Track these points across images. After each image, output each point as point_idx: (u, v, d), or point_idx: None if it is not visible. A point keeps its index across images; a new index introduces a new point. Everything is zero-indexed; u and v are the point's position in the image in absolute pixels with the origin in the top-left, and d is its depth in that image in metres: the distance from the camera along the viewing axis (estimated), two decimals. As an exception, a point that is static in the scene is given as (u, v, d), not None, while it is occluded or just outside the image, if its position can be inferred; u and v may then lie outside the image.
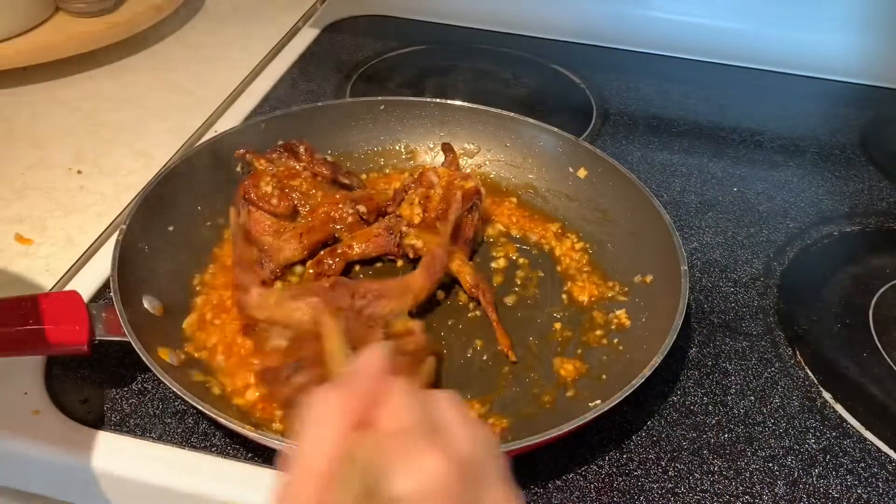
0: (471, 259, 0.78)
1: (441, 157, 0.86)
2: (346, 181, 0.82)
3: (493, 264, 0.79)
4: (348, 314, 0.64)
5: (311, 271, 0.74)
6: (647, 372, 0.60)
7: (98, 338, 0.61)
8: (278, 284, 0.73)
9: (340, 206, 0.78)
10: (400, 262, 0.78)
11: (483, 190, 0.79)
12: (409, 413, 0.37)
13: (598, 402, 0.59)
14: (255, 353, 0.66)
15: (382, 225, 0.77)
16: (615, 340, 0.71)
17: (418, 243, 0.75)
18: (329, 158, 0.83)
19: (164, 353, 0.63)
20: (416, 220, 0.75)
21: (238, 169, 0.82)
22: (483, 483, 0.37)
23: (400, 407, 0.37)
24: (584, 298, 0.75)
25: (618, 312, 0.73)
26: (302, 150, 0.80)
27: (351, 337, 0.58)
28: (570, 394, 0.66)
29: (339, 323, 0.58)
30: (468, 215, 0.77)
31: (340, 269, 0.75)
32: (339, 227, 0.77)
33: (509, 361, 0.69)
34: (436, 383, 0.66)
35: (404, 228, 0.75)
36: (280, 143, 0.81)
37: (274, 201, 0.76)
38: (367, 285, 0.68)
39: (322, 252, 0.76)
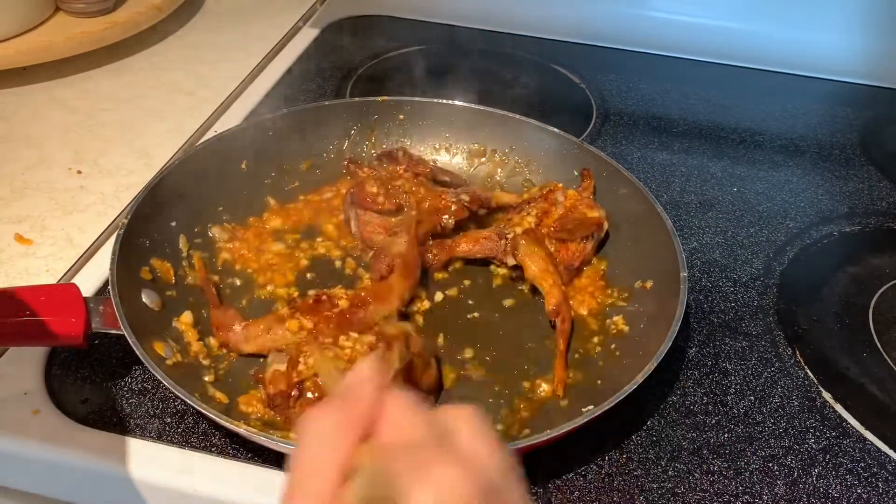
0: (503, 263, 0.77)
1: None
2: (446, 178, 0.85)
3: (495, 269, 0.79)
4: (337, 325, 0.64)
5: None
6: (639, 379, 0.59)
7: (94, 330, 0.61)
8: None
9: (443, 197, 0.80)
10: (503, 270, 0.78)
11: (606, 224, 0.79)
12: (412, 424, 0.34)
13: (591, 407, 0.58)
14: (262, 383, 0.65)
15: (494, 229, 0.78)
16: (612, 346, 0.71)
17: (521, 250, 0.74)
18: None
19: (160, 347, 0.63)
20: (525, 226, 0.77)
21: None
22: (504, 501, 0.34)
23: (401, 418, 0.35)
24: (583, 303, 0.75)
25: (615, 318, 0.73)
26: (400, 154, 0.84)
27: (345, 349, 0.60)
28: (564, 403, 0.66)
29: (319, 345, 0.59)
30: (580, 243, 0.77)
31: (444, 261, 0.78)
32: (445, 216, 0.79)
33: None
34: (439, 386, 0.66)
35: (510, 235, 0.76)
36: (379, 152, 0.86)
37: (381, 199, 0.79)
38: (344, 292, 0.68)
39: (431, 243, 0.78)
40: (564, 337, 0.70)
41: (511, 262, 0.75)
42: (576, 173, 0.85)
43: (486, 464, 0.34)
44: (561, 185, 0.82)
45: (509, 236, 0.76)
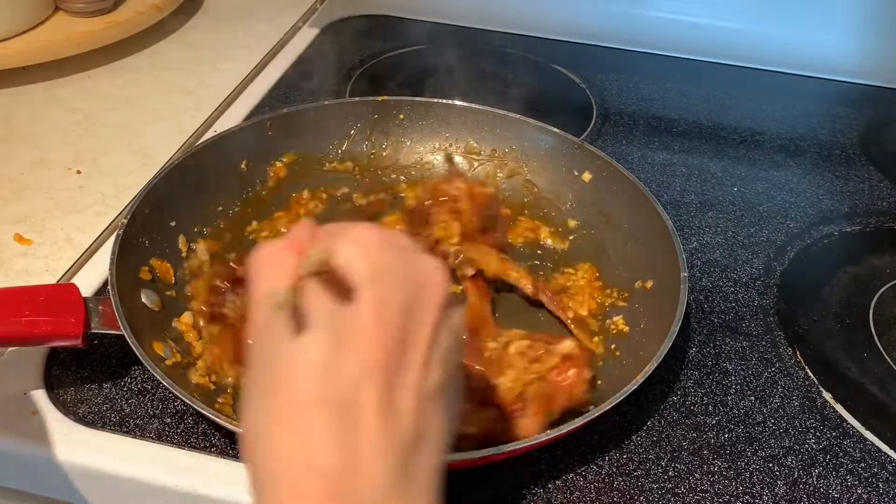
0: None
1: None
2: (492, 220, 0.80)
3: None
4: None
5: None
6: (639, 379, 0.59)
7: (94, 330, 0.61)
8: None
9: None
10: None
11: (498, 194, 0.81)
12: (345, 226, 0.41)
13: (591, 407, 0.58)
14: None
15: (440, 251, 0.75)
16: (612, 346, 0.70)
17: (474, 256, 0.73)
18: None
19: (159, 347, 0.63)
20: (454, 235, 0.74)
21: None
22: (416, 254, 0.41)
23: (334, 227, 0.41)
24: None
25: (615, 318, 0.73)
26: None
27: None
28: None
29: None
30: (497, 218, 0.78)
31: None
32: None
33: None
34: None
35: (452, 249, 0.73)
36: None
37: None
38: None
39: None
40: (559, 305, 0.71)
41: (470, 272, 0.73)
42: (576, 173, 0.84)
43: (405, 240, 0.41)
44: (434, 181, 0.80)
45: (451, 251, 0.73)
